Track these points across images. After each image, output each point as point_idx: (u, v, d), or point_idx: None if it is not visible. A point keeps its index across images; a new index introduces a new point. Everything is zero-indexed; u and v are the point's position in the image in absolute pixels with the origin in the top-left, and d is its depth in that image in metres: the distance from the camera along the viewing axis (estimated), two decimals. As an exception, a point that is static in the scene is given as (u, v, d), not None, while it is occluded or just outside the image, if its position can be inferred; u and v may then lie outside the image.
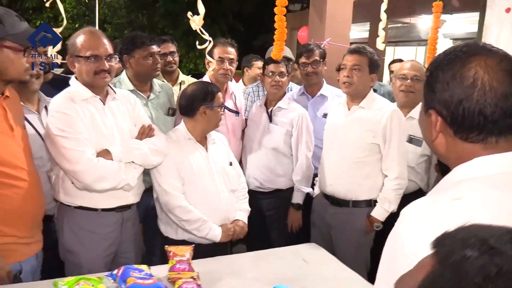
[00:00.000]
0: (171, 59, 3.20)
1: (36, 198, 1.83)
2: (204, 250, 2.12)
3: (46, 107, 2.23)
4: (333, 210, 2.57)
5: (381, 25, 2.73)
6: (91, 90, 2.05)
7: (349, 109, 2.55)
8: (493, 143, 0.86)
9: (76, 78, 2.08)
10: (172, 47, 3.21)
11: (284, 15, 2.61)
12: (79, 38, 2.02)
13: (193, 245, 1.68)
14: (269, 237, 2.86)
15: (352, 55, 2.47)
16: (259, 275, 1.69)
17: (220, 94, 2.35)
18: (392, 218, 2.41)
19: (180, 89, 2.98)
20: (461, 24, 8.60)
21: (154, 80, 2.75)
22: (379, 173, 2.48)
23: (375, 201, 2.46)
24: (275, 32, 2.51)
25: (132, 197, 2.16)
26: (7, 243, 1.72)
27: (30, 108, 2.18)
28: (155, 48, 2.65)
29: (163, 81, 3.04)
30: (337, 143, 2.56)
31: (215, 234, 2.23)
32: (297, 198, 2.79)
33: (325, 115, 2.98)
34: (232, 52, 2.83)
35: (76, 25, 15.11)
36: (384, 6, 2.42)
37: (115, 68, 2.11)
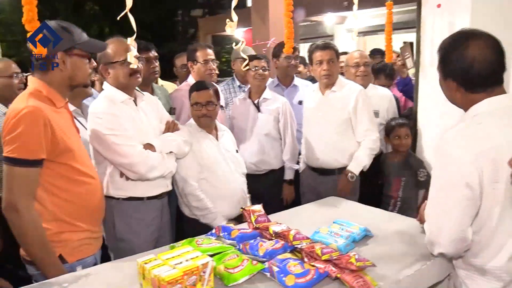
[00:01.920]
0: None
1: (102, 194, 2.02)
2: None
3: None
4: (322, 179, 3.03)
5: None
6: (124, 92, 2.27)
7: (323, 94, 3.03)
8: (488, 92, 1.48)
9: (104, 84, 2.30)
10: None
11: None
12: (109, 48, 2.23)
13: (261, 203, 2.01)
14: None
15: (325, 50, 2.94)
16: (315, 218, 2.09)
17: (193, 94, 2.61)
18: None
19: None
20: (364, 19, 9.63)
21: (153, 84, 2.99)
22: (354, 142, 2.97)
23: None
24: (286, 32, 2.91)
25: (170, 185, 2.42)
26: (84, 238, 1.88)
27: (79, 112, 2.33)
28: (152, 53, 2.90)
29: None
30: (317, 122, 3.04)
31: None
32: (289, 175, 3.21)
33: (300, 102, 3.44)
34: (212, 53, 3.16)
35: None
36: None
37: (143, 70, 2.35)
